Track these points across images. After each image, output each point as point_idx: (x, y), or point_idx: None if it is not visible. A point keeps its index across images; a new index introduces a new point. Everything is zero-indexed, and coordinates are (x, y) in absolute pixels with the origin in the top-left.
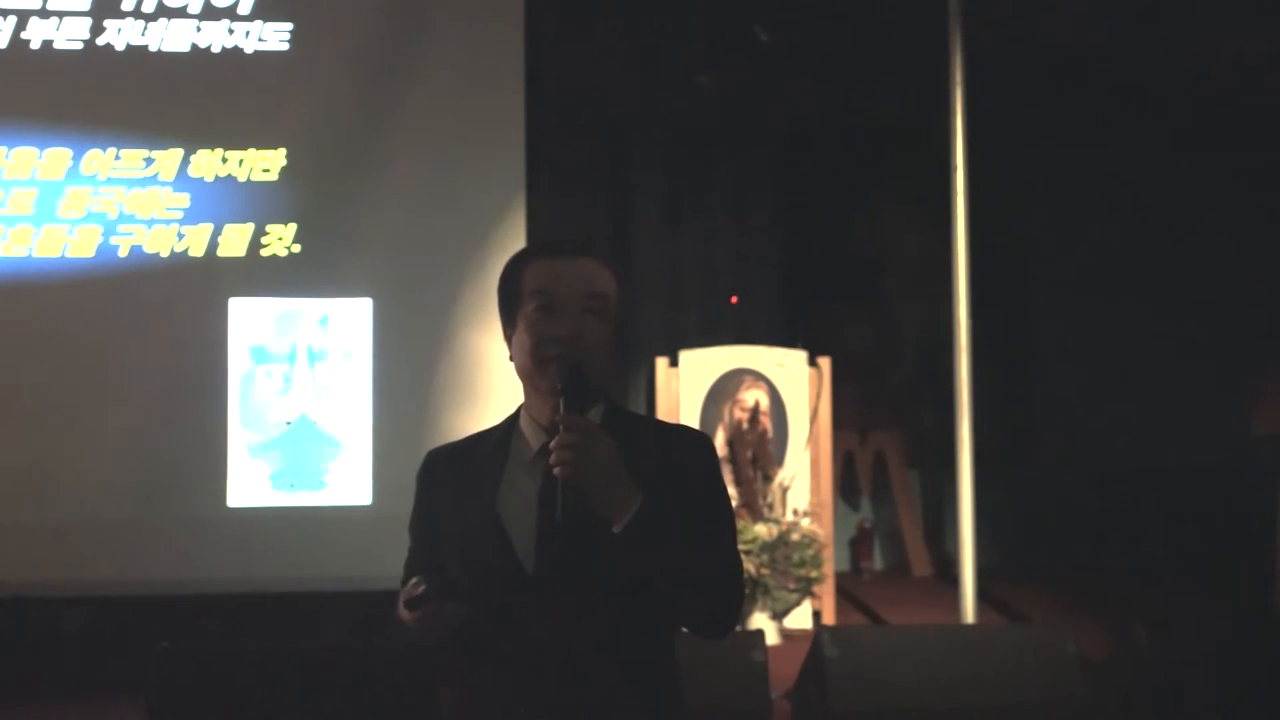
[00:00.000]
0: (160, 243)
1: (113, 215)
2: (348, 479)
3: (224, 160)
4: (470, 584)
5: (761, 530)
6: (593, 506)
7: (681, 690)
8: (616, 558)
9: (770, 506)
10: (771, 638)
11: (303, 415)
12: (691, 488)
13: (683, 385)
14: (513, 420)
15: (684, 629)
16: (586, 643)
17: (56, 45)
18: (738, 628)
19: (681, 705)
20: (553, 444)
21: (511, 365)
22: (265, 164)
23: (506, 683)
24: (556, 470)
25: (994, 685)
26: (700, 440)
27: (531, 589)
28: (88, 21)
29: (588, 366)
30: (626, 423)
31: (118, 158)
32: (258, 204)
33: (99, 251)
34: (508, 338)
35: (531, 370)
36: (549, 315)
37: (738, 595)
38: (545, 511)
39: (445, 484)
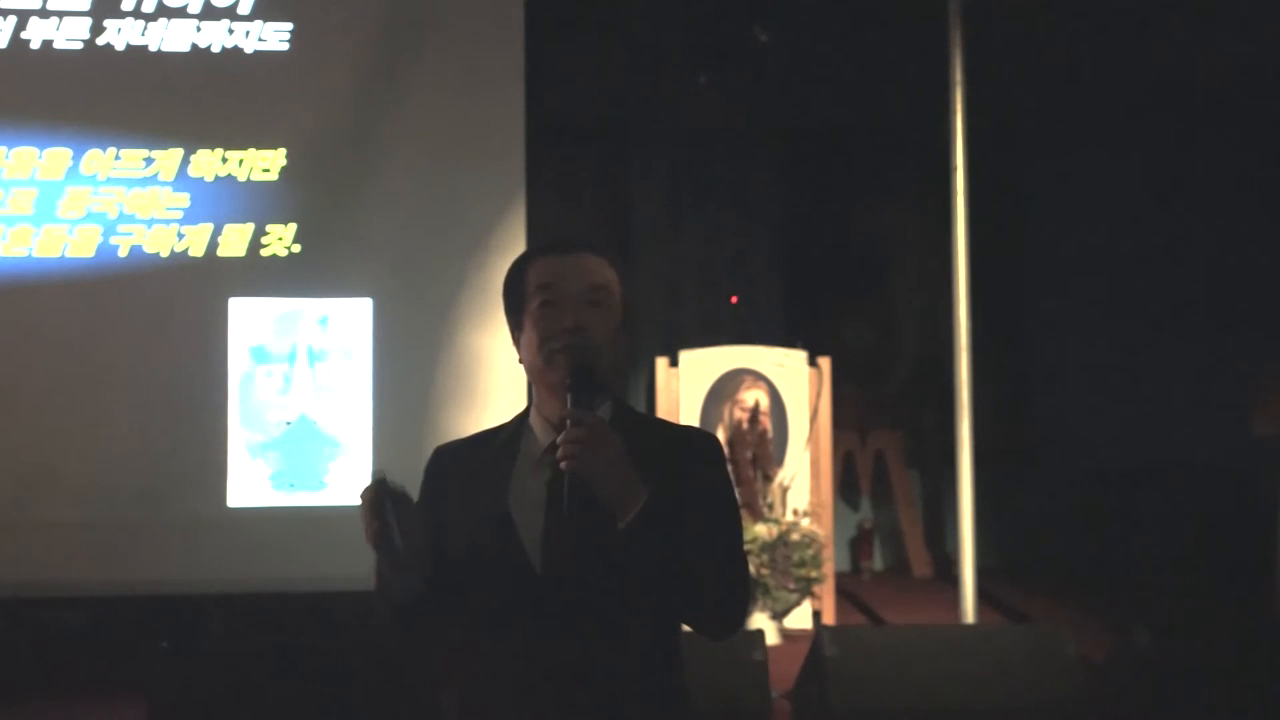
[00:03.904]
0: (160, 243)
1: (113, 215)
2: (348, 479)
3: (224, 160)
4: (477, 580)
5: (761, 530)
6: (598, 501)
7: (686, 689)
8: (622, 554)
9: (770, 506)
10: (771, 638)
11: (303, 415)
12: (698, 488)
13: (683, 385)
14: (523, 418)
15: (689, 628)
16: (592, 639)
17: (56, 45)
18: None
19: (686, 703)
20: (559, 438)
21: (512, 365)
22: (265, 164)
23: (512, 680)
24: (563, 463)
25: (994, 685)
26: (708, 441)
27: (538, 585)
28: (88, 21)
29: (596, 361)
30: (634, 422)
31: (118, 158)
32: (258, 204)
33: (99, 251)
34: (516, 340)
35: (540, 367)
36: (553, 310)
37: (743, 595)
38: (553, 510)
39: (454, 479)
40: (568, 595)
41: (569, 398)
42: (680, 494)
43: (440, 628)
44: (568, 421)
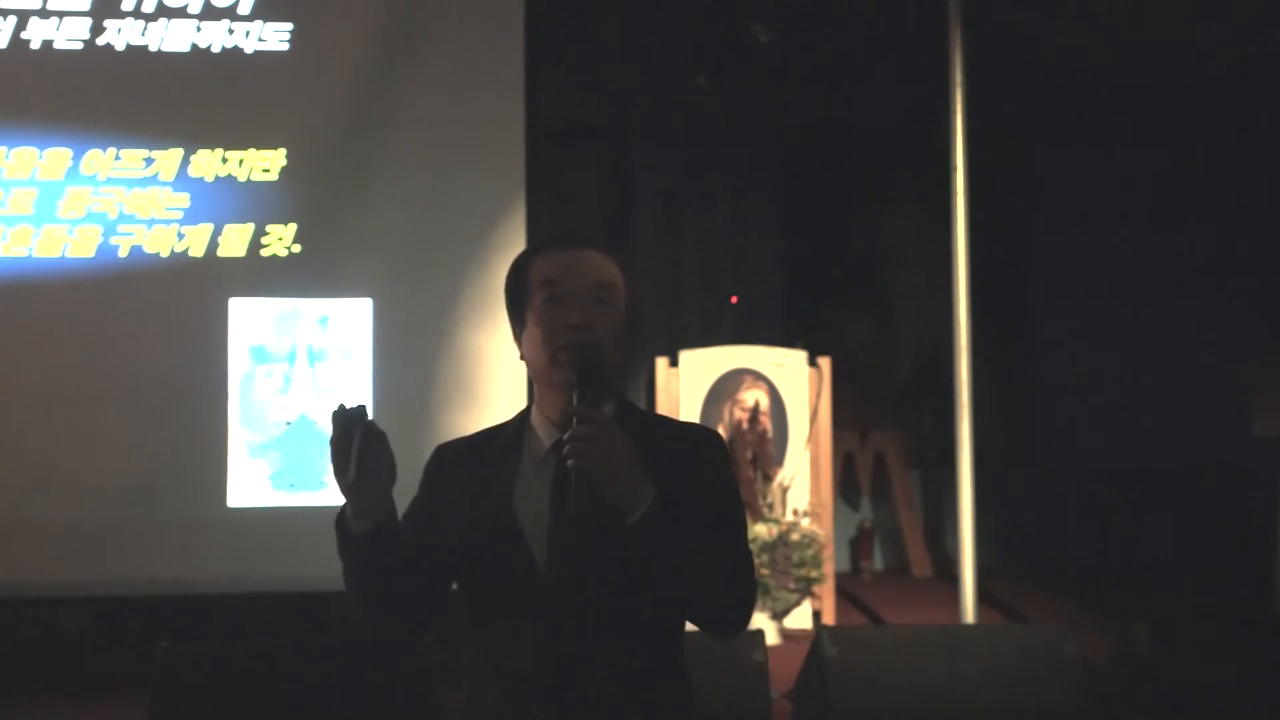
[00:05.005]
0: (160, 243)
1: (113, 215)
2: None
3: (224, 160)
4: (481, 579)
5: (761, 530)
6: (606, 498)
7: (690, 688)
8: (628, 553)
9: (770, 506)
10: (771, 638)
11: (303, 415)
12: (703, 485)
13: (683, 385)
14: (523, 417)
15: (695, 626)
16: (597, 638)
17: (56, 45)
18: None
19: (691, 703)
20: (566, 435)
21: (512, 365)
22: (265, 164)
23: (516, 679)
24: (570, 461)
25: (994, 685)
26: (711, 438)
27: (543, 585)
28: (88, 21)
29: (602, 359)
30: (638, 420)
31: (118, 158)
32: (258, 204)
33: (99, 251)
34: (517, 336)
35: (544, 363)
36: (558, 306)
37: (750, 592)
38: (557, 504)
39: (455, 480)
40: (573, 594)
41: (575, 395)
42: (686, 491)
43: (408, 608)
44: (574, 419)
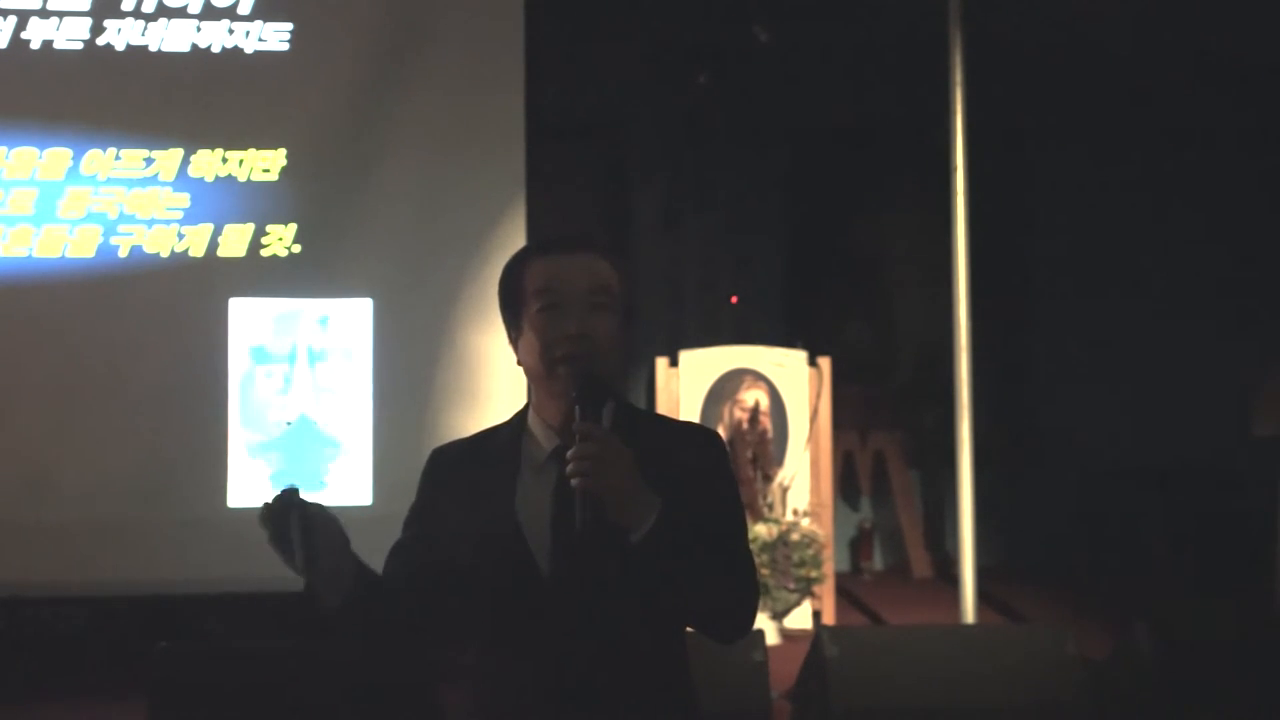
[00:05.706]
0: (160, 243)
1: (113, 215)
2: (348, 479)
3: (224, 160)
4: (483, 587)
5: (761, 530)
6: (611, 516)
7: (693, 691)
8: (633, 564)
9: (770, 506)
10: (771, 638)
11: (303, 415)
12: (702, 487)
13: (683, 385)
14: (520, 419)
15: (699, 632)
16: (601, 647)
17: (56, 45)
18: None
19: (694, 705)
20: (570, 454)
21: (513, 365)
22: (265, 164)
23: (519, 687)
24: (575, 481)
25: (994, 685)
26: (711, 438)
27: (546, 593)
28: (88, 21)
29: (601, 369)
30: (635, 421)
31: (118, 158)
32: (258, 204)
33: (99, 251)
34: (513, 341)
35: (541, 373)
36: (555, 315)
37: (752, 596)
38: (561, 518)
39: (454, 484)
40: (575, 598)
41: (577, 410)
42: (686, 495)
43: (399, 633)
44: (577, 435)
